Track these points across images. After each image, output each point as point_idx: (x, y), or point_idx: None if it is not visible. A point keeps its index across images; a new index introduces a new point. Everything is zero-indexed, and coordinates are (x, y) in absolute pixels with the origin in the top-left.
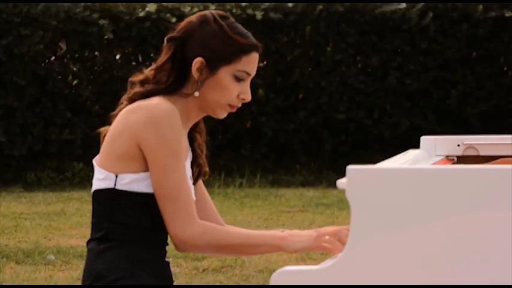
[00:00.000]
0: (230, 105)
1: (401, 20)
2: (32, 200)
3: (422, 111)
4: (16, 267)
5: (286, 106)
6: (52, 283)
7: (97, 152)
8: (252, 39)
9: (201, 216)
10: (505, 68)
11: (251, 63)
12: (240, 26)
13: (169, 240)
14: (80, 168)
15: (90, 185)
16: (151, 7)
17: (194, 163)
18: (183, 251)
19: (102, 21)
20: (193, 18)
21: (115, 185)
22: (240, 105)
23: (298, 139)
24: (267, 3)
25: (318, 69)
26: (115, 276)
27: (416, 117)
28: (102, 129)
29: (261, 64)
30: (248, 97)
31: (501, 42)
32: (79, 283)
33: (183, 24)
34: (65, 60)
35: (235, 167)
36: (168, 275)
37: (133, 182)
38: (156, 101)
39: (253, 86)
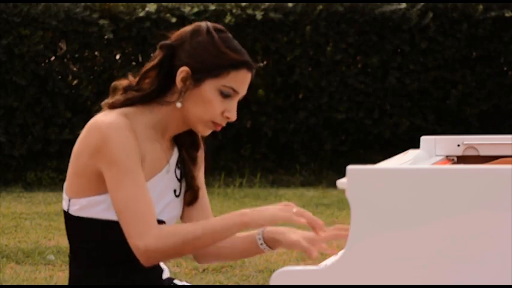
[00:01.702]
0: (213, 123)
1: (401, 20)
2: (32, 200)
3: (422, 111)
4: (16, 267)
5: (286, 106)
6: (52, 283)
7: None
8: (246, 56)
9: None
10: (505, 68)
11: (240, 80)
12: (235, 42)
13: None
14: None
15: None
16: (151, 7)
17: (187, 185)
18: (148, 263)
19: (102, 21)
20: (187, 27)
21: (68, 209)
22: (224, 124)
23: (298, 139)
24: (267, 3)
25: (318, 69)
26: None
27: (416, 117)
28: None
29: (261, 64)
30: (233, 116)
31: (501, 42)
32: None
33: (177, 32)
34: (65, 60)
35: (235, 167)
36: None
37: (82, 208)
38: (110, 117)
39: (253, 86)
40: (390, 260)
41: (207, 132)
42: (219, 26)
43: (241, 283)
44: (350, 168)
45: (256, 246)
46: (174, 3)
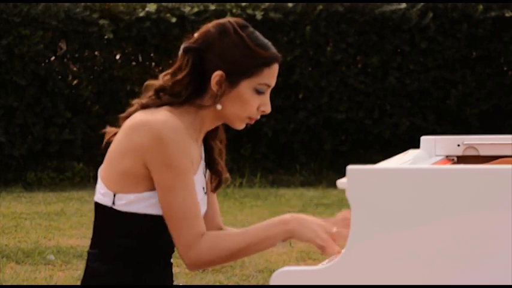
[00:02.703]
0: (249, 118)
1: (401, 20)
2: (32, 200)
3: (422, 111)
4: (16, 267)
5: (286, 106)
6: (52, 283)
7: (97, 151)
8: (273, 50)
9: (206, 223)
10: (505, 68)
11: (272, 75)
12: (260, 36)
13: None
14: (80, 168)
15: (91, 185)
16: (151, 7)
17: (213, 171)
18: (195, 269)
19: (102, 21)
20: (210, 27)
21: (113, 203)
22: (259, 117)
23: (298, 139)
24: (267, 3)
25: (318, 69)
26: None
27: (416, 117)
28: (109, 129)
29: None
30: (268, 109)
31: (501, 42)
32: (79, 283)
33: (200, 34)
34: (65, 60)
35: (235, 167)
36: None
37: (131, 203)
38: (162, 116)
39: None
40: (390, 260)
41: (243, 126)
42: (241, 21)
43: (241, 283)
44: (350, 168)
45: None
46: (174, 3)
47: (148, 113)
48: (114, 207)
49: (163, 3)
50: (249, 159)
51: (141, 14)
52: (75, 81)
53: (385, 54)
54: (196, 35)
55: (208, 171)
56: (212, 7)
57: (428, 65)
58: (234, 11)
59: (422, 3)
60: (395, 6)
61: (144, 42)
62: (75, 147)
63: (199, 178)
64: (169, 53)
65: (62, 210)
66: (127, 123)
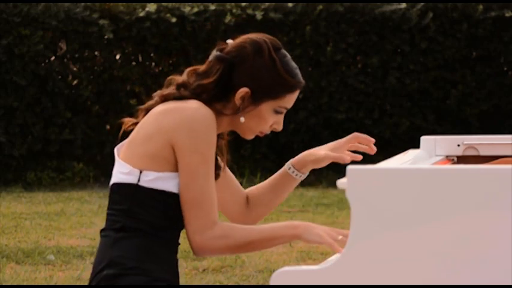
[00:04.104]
0: (261, 132)
1: (401, 20)
2: (32, 200)
3: (422, 111)
4: (16, 267)
5: None
6: (52, 283)
7: (97, 151)
8: (299, 77)
9: (231, 199)
10: (505, 68)
11: (292, 100)
12: (290, 61)
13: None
14: (80, 168)
15: (90, 185)
16: (151, 7)
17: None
18: (200, 255)
19: (102, 21)
20: (247, 43)
21: (138, 180)
22: (269, 132)
23: (298, 139)
24: (267, 3)
25: (318, 69)
26: (130, 265)
27: (416, 117)
28: (126, 119)
29: None
30: (280, 127)
31: (501, 42)
32: (79, 283)
33: (235, 46)
34: (65, 60)
35: (235, 167)
36: (177, 273)
37: (157, 179)
38: (195, 104)
39: None
40: (390, 260)
41: (252, 137)
42: (276, 42)
43: (241, 283)
44: (350, 168)
45: (291, 179)
46: (174, 3)
47: (180, 102)
48: (140, 183)
49: (163, 3)
50: (249, 159)
51: (141, 14)
52: (75, 81)
53: (385, 54)
54: (230, 46)
55: None
56: (212, 7)
57: (428, 65)
58: (234, 11)
59: (422, 3)
60: (395, 6)
61: (144, 42)
62: (75, 147)
63: None
64: (169, 53)
65: (62, 210)
66: (157, 110)
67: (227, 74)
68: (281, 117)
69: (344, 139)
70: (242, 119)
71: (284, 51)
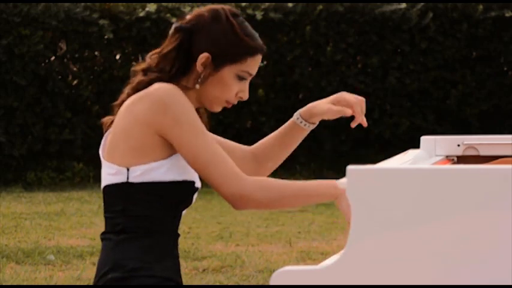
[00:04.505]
0: (227, 102)
1: (401, 20)
2: (32, 200)
3: (422, 111)
4: (16, 267)
5: (286, 106)
6: (52, 283)
7: (97, 151)
8: (259, 41)
9: (238, 159)
10: (505, 68)
11: (255, 65)
12: (249, 27)
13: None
14: (80, 168)
15: (90, 185)
16: (151, 7)
17: None
18: (243, 207)
19: (102, 21)
20: (204, 11)
21: (128, 178)
22: (236, 102)
23: None
24: (267, 3)
25: (318, 69)
26: (133, 266)
27: (416, 117)
28: (105, 119)
29: (261, 64)
30: (246, 96)
31: (501, 42)
32: (79, 283)
33: (193, 15)
34: (65, 60)
35: None
36: (179, 268)
37: (146, 172)
38: (157, 85)
39: (253, 86)
40: (390, 260)
41: (219, 109)
42: (234, 10)
43: (241, 283)
44: (350, 168)
45: (299, 129)
46: (174, 3)
47: (144, 90)
48: (129, 180)
49: (163, 3)
50: None
51: (141, 14)
52: (75, 81)
53: (385, 54)
54: (189, 16)
55: None
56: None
57: (428, 65)
58: None
59: (422, 3)
60: (395, 6)
61: (144, 42)
62: (75, 147)
63: None
64: None
65: (62, 210)
66: (126, 103)
67: (186, 42)
68: (245, 85)
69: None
70: (197, 86)
71: (242, 19)
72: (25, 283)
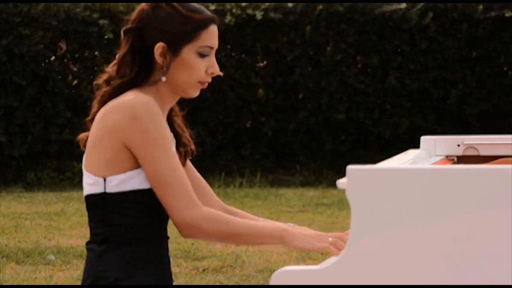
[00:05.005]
0: (200, 82)
1: (401, 20)
2: (32, 200)
3: (422, 111)
4: (16, 267)
5: (286, 106)
6: (52, 283)
7: None
8: (207, 13)
9: (201, 200)
10: (505, 68)
11: (211, 37)
12: (192, 3)
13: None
14: (80, 168)
15: None
16: None
17: (179, 144)
18: (189, 236)
19: (102, 21)
20: (144, 6)
21: (105, 188)
22: (209, 80)
23: (298, 139)
24: (267, 3)
25: (318, 69)
26: (115, 277)
27: (416, 117)
28: (81, 136)
29: (261, 64)
30: (216, 70)
31: (501, 42)
32: (79, 283)
33: (135, 14)
34: (65, 60)
35: (235, 167)
36: (169, 273)
37: (122, 182)
38: (130, 95)
39: (253, 86)
40: (390, 260)
41: (197, 93)
42: None
43: (241, 283)
44: (350, 168)
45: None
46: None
47: (114, 100)
48: (107, 190)
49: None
50: (249, 159)
51: None
52: (75, 81)
53: (385, 54)
54: (132, 16)
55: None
56: (212, 7)
57: (428, 65)
58: (234, 11)
59: (422, 3)
60: (395, 6)
61: None
62: (75, 147)
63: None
64: None
65: (62, 210)
66: (99, 114)
67: (138, 41)
68: (212, 60)
69: (336, 234)
70: (163, 78)
71: None
72: (25, 283)
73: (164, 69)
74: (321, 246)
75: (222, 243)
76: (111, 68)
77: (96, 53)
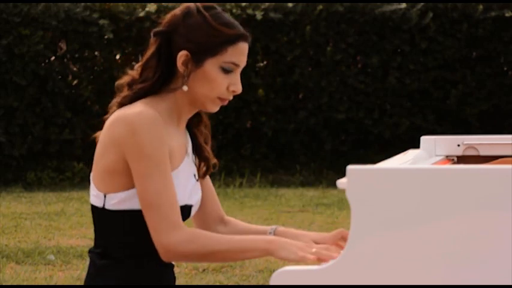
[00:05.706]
0: (220, 98)
1: (401, 20)
2: (32, 200)
3: (422, 111)
4: (16, 267)
5: (286, 106)
6: (52, 283)
7: None
8: (239, 28)
9: (204, 210)
10: (505, 68)
11: (239, 54)
12: (226, 16)
13: None
14: (80, 168)
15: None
16: (151, 7)
17: (200, 158)
18: (168, 259)
19: (102, 21)
20: (177, 11)
21: (104, 205)
22: (231, 97)
23: (298, 139)
24: (267, 3)
25: (318, 69)
26: None
27: (416, 117)
28: (97, 134)
29: (261, 64)
30: (238, 89)
31: (501, 42)
32: (79, 283)
33: (167, 17)
34: (65, 60)
35: (235, 167)
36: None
37: (121, 201)
38: (137, 108)
39: (253, 86)
40: (390, 260)
41: (216, 108)
42: (209, 4)
43: (241, 283)
44: (350, 168)
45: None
46: (174, 3)
47: (125, 108)
48: (106, 207)
49: (163, 3)
50: (249, 159)
51: (141, 14)
52: (75, 81)
53: (385, 54)
54: (164, 20)
55: (196, 158)
56: None
57: (428, 65)
58: (234, 11)
59: (422, 3)
60: (395, 6)
61: (144, 42)
62: (75, 147)
63: (188, 166)
64: None
65: (62, 210)
66: (106, 122)
67: (165, 46)
68: (235, 77)
69: (330, 234)
70: (185, 88)
71: (218, 10)
72: (25, 283)
73: (185, 78)
74: (303, 256)
75: (205, 262)
76: (135, 70)
77: (96, 53)
